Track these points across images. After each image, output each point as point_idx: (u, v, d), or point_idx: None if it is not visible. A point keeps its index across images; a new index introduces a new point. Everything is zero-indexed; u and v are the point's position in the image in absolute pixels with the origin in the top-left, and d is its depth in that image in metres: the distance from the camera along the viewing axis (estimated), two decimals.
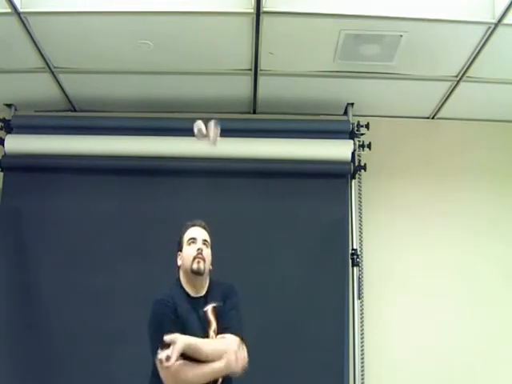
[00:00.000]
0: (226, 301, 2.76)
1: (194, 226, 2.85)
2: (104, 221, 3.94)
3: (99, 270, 3.81)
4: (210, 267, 2.82)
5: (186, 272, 2.77)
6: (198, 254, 2.73)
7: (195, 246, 2.77)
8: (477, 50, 3.50)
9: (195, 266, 2.72)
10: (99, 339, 3.72)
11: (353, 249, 3.98)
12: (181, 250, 2.81)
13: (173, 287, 2.80)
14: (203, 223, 2.87)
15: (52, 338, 3.77)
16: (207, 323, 2.70)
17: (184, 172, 4.02)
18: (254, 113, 4.34)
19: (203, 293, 2.79)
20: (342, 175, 4.07)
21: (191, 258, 2.73)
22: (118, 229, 3.93)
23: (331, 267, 3.89)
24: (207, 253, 2.79)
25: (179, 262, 2.81)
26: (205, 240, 2.81)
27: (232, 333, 2.66)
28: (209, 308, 2.73)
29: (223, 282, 2.86)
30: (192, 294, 2.77)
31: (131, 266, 3.80)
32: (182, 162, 4.03)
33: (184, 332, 2.57)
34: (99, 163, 4.05)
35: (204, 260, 2.74)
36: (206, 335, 2.66)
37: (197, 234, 2.81)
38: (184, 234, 2.84)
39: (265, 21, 3.30)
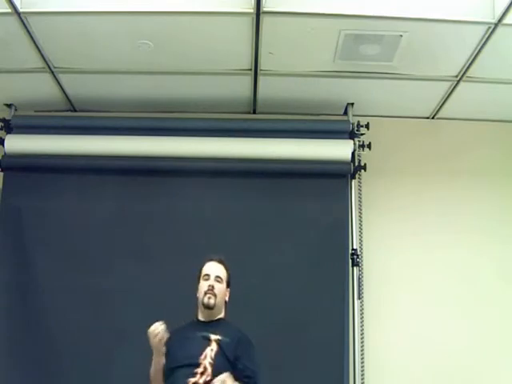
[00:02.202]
0: (238, 347, 2.90)
1: (211, 260, 3.07)
2: (104, 221, 3.94)
3: (99, 269, 3.81)
4: (226, 299, 3.04)
5: (200, 304, 2.99)
6: (208, 289, 2.97)
7: (208, 282, 2.99)
8: (477, 50, 3.50)
9: (206, 300, 2.96)
10: (99, 339, 3.72)
11: (353, 249, 3.98)
12: (199, 283, 3.03)
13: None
14: (220, 257, 3.08)
15: (52, 337, 3.76)
16: (208, 344, 2.85)
17: (184, 172, 4.02)
18: (254, 113, 4.34)
19: (212, 320, 2.99)
20: (342, 175, 4.07)
21: (203, 293, 2.97)
22: (118, 229, 3.93)
23: (331, 267, 3.88)
24: (219, 288, 2.99)
25: (198, 295, 3.02)
26: (217, 276, 3.01)
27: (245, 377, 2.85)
28: (214, 337, 2.88)
29: (235, 325, 3.02)
30: (202, 319, 3.00)
31: (131, 265, 3.80)
32: (182, 162, 4.03)
33: (175, 345, 2.89)
34: (99, 163, 4.05)
35: (215, 295, 2.96)
36: (200, 350, 2.83)
37: (211, 270, 3.03)
38: (202, 268, 3.05)
39: (265, 21, 3.30)
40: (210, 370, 2.79)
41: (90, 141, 4.05)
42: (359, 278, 3.93)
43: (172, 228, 3.89)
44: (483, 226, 4.11)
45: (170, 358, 2.90)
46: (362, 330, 3.89)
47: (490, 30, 3.30)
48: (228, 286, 3.06)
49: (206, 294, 2.95)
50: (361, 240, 4.04)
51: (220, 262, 3.06)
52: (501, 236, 4.09)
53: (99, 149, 4.04)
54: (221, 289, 2.99)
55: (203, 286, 2.98)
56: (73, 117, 4.31)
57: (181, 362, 2.84)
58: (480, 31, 3.33)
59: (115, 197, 4.00)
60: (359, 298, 3.91)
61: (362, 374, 3.81)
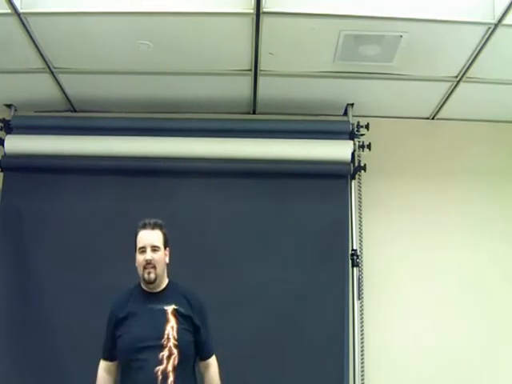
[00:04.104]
0: (195, 312, 2.84)
1: (144, 228, 2.90)
2: (104, 221, 3.94)
3: (99, 269, 3.81)
4: (167, 261, 2.91)
5: (141, 278, 2.89)
6: (147, 263, 2.83)
7: (144, 255, 2.85)
8: (477, 50, 3.50)
9: (146, 276, 2.84)
10: (99, 339, 3.71)
11: (353, 249, 3.98)
12: (135, 252, 2.90)
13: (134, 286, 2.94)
14: (153, 221, 2.92)
15: (52, 337, 3.77)
16: (166, 320, 2.76)
17: (183, 172, 4.02)
18: (254, 113, 4.34)
19: (160, 289, 2.89)
20: (341, 175, 4.07)
21: (142, 268, 2.85)
22: (118, 229, 3.92)
23: (331, 267, 3.89)
24: (158, 257, 2.85)
25: (136, 265, 2.90)
26: (153, 246, 2.86)
27: (211, 355, 2.89)
28: (169, 308, 2.79)
29: (182, 285, 2.95)
30: (148, 290, 2.88)
31: (131, 265, 3.79)
32: (182, 162, 4.03)
33: (131, 325, 2.78)
34: (99, 163, 4.05)
35: (155, 267, 2.83)
36: (160, 330, 2.73)
37: (146, 241, 2.87)
38: (136, 237, 2.90)
39: (265, 21, 3.29)
40: (176, 352, 2.69)
41: (90, 141, 4.05)
42: (359, 279, 3.94)
43: (172, 228, 3.88)
44: (483, 226, 4.11)
45: (126, 340, 2.77)
46: (361, 330, 3.89)
47: (490, 31, 3.30)
48: (166, 246, 2.91)
49: (145, 268, 2.81)
50: (361, 240, 4.04)
51: (154, 226, 2.89)
52: (501, 235, 4.10)
53: (99, 149, 4.04)
54: (160, 257, 2.84)
55: (140, 260, 2.83)
56: (73, 117, 4.32)
57: (141, 344, 2.70)
58: (480, 31, 3.33)
59: (115, 197, 4.01)
60: (359, 299, 3.91)
61: (362, 374, 3.81)
